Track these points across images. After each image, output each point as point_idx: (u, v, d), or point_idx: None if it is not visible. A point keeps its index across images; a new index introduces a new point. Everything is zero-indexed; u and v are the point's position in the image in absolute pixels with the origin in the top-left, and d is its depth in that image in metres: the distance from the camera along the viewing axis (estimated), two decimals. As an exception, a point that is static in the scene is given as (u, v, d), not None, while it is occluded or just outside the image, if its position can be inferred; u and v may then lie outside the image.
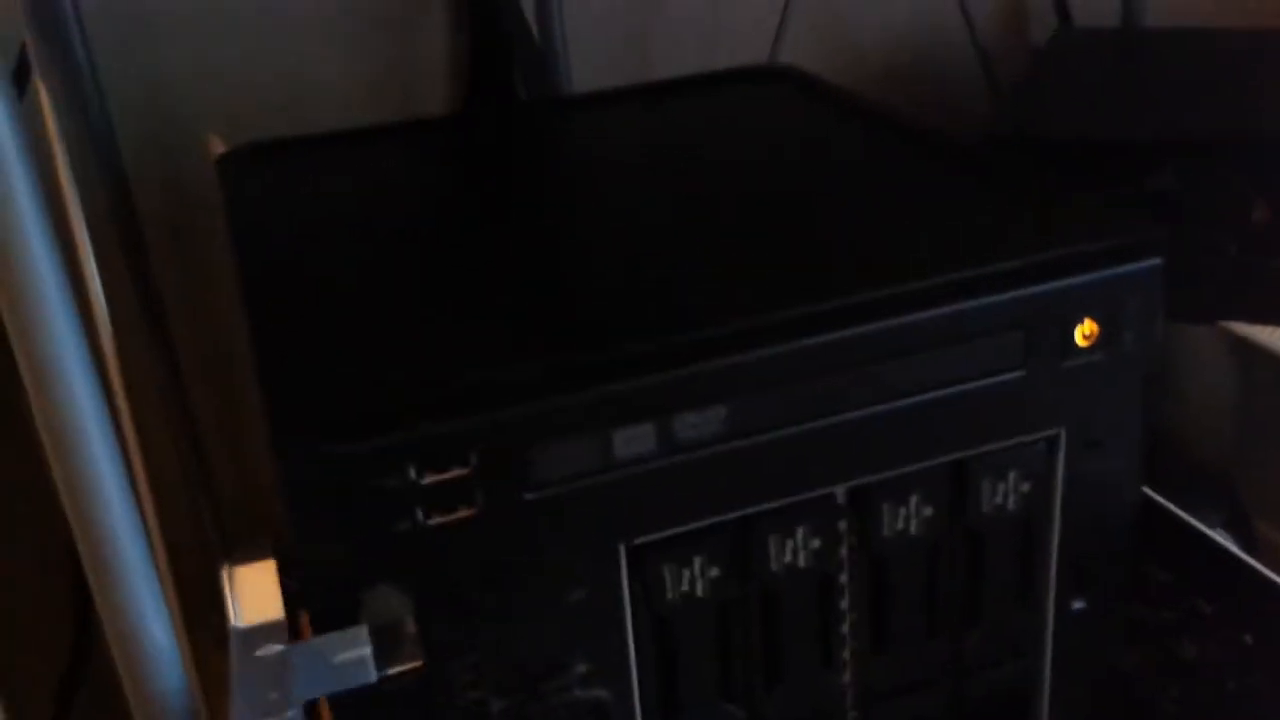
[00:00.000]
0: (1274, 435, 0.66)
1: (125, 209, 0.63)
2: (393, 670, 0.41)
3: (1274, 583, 0.48)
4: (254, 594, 0.39)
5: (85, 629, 0.51)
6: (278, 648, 0.37)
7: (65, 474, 0.33)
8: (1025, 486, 0.46)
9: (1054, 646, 0.49)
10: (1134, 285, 0.43)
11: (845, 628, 0.46)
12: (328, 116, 0.67)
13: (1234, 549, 0.50)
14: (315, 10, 0.78)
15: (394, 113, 0.81)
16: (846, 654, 0.47)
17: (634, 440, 0.40)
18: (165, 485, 0.50)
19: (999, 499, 0.46)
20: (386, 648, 0.41)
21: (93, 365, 0.32)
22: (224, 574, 0.38)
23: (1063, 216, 0.48)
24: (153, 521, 0.44)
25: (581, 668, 0.43)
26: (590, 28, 0.82)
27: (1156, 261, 0.43)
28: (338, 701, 0.41)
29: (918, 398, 0.43)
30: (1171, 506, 0.52)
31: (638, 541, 0.42)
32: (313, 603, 0.39)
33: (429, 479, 0.38)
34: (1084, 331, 0.43)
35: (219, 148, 0.60)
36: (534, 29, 0.79)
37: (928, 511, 0.45)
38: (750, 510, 0.43)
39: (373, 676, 0.40)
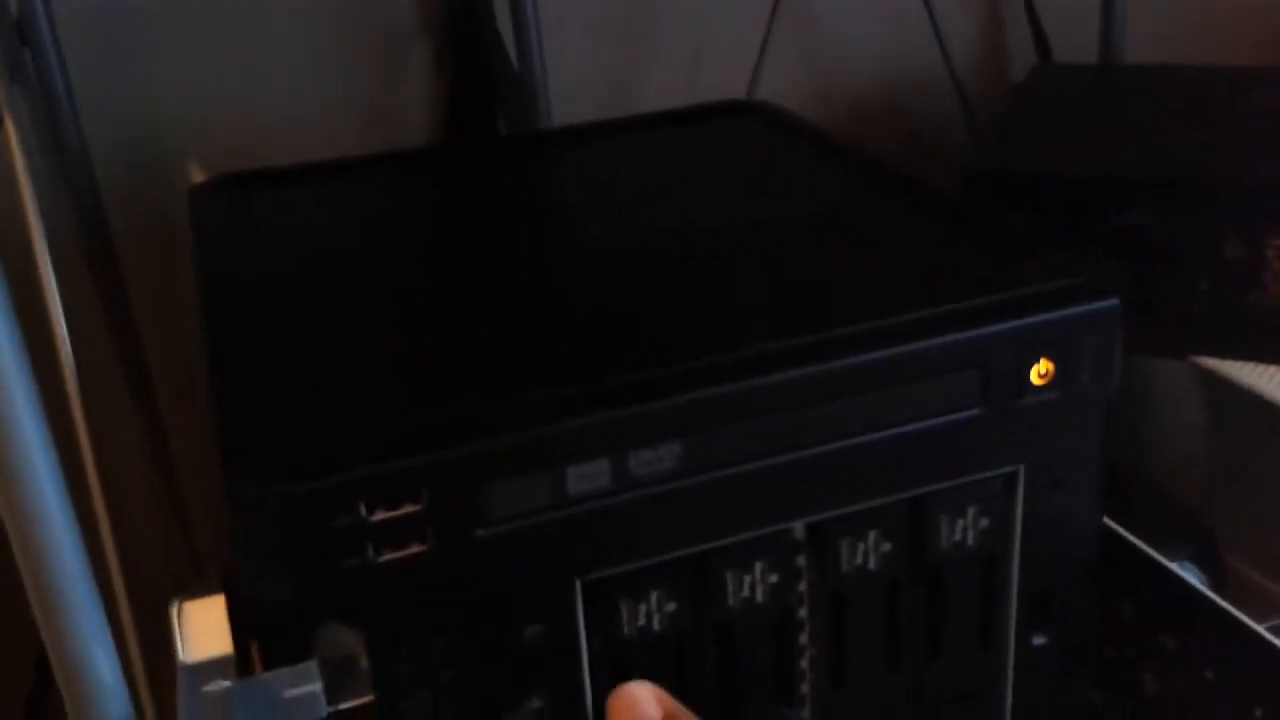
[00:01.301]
0: (1244, 470, 0.66)
1: (98, 230, 0.63)
2: (344, 705, 0.41)
3: (1236, 619, 0.48)
4: (203, 629, 0.39)
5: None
6: (225, 684, 0.37)
7: (7, 502, 0.34)
8: (984, 523, 0.46)
9: (1015, 682, 0.49)
10: (1090, 325, 0.43)
11: (804, 663, 0.46)
12: (311, 148, 0.68)
13: (1197, 584, 0.50)
14: (300, 43, 0.79)
15: (378, 144, 0.82)
16: (805, 689, 0.46)
17: (588, 477, 0.40)
18: (138, 511, 0.50)
19: (958, 535, 0.46)
20: (337, 683, 0.41)
21: (34, 392, 0.32)
22: (173, 609, 0.38)
23: (1021, 256, 0.48)
24: (110, 551, 0.44)
25: (536, 703, 0.43)
26: (571, 60, 0.83)
27: (1114, 301, 0.43)
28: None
29: (875, 435, 0.43)
30: (1135, 541, 0.52)
31: (593, 577, 0.42)
32: (262, 639, 0.39)
33: (379, 516, 0.38)
34: (1040, 370, 0.43)
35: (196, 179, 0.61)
36: (514, 62, 0.79)
37: (886, 547, 0.45)
38: (707, 546, 0.43)
39: (323, 712, 0.39)
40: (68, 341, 0.51)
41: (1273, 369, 0.64)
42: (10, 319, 0.35)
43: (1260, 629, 0.48)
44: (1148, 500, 0.66)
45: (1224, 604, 0.49)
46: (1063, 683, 0.51)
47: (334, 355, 0.44)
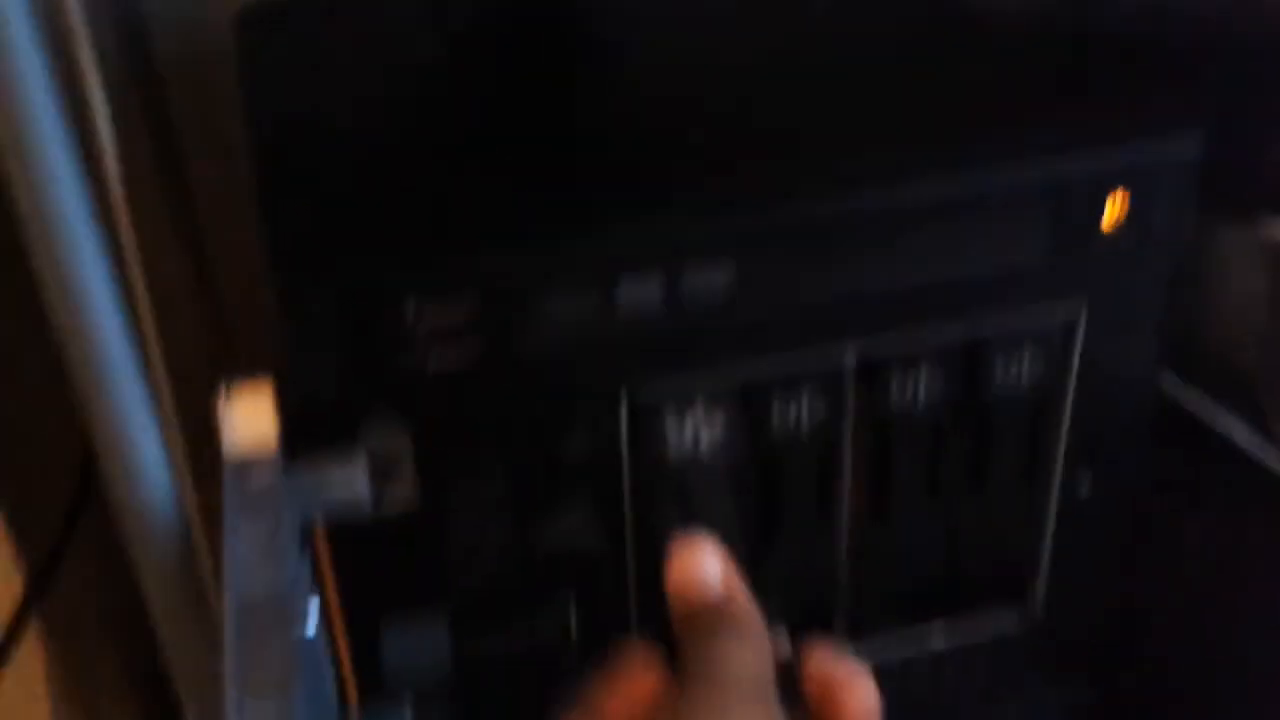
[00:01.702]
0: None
1: (141, 49, 0.62)
2: (388, 509, 0.41)
3: (1285, 480, 0.47)
4: (251, 419, 0.39)
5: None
6: (271, 478, 0.37)
7: (46, 269, 0.33)
8: (1040, 366, 0.45)
9: (1056, 528, 0.49)
10: (1170, 163, 0.41)
11: (845, 497, 0.46)
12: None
13: (1247, 447, 0.49)
14: None
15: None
16: (844, 522, 0.46)
17: (639, 290, 0.39)
18: (173, 306, 0.50)
19: (1012, 377, 0.45)
20: (384, 486, 0.41)
21: (82, 165, 0.32)
22: (221, 394, 0.38)
23: (1103, 89, 0.46)
24: (151, 332, 0.44)
25: (576, 520, 0.43)
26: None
27: (1195, 140, 0.41)
28: (334, 536, 0.41)
29: (938, 268, 0.41)
30: (1189, 403, 0.51)
31: (640, 395, 0.41)
32: (309, 437, 0.39)
33: (429, 318, 0.38)
34: (1114, 208, 0.42)
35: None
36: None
37: (938, 384, 0.44)
38: (757, 370, 0.42)
39: (368, 511, 0.40)
40: (114, 153, 0.50)
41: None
42: (57, 118, 0.34)
43: (1309, 490, 0.47)
44: (1201, 366, 0.65)
45: (1274, 465, 0.48)
46: (1103, 534, 0.51)
47: (387, 170, 0.43)
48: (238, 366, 0.38)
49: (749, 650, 0.32)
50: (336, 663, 0.43)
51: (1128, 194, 0.41)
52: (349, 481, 0.39)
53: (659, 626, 0.45)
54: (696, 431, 0.42)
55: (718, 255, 0.39)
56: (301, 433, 0.40)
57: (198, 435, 0.46)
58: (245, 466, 0.38)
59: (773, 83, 0.48)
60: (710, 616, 0.33)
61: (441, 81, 0.50)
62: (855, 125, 0.44)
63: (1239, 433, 0.52)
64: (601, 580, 0.45)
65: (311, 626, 0.39)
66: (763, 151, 0.42)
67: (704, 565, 0.35)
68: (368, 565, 0.42)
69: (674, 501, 0.44)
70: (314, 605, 0.40)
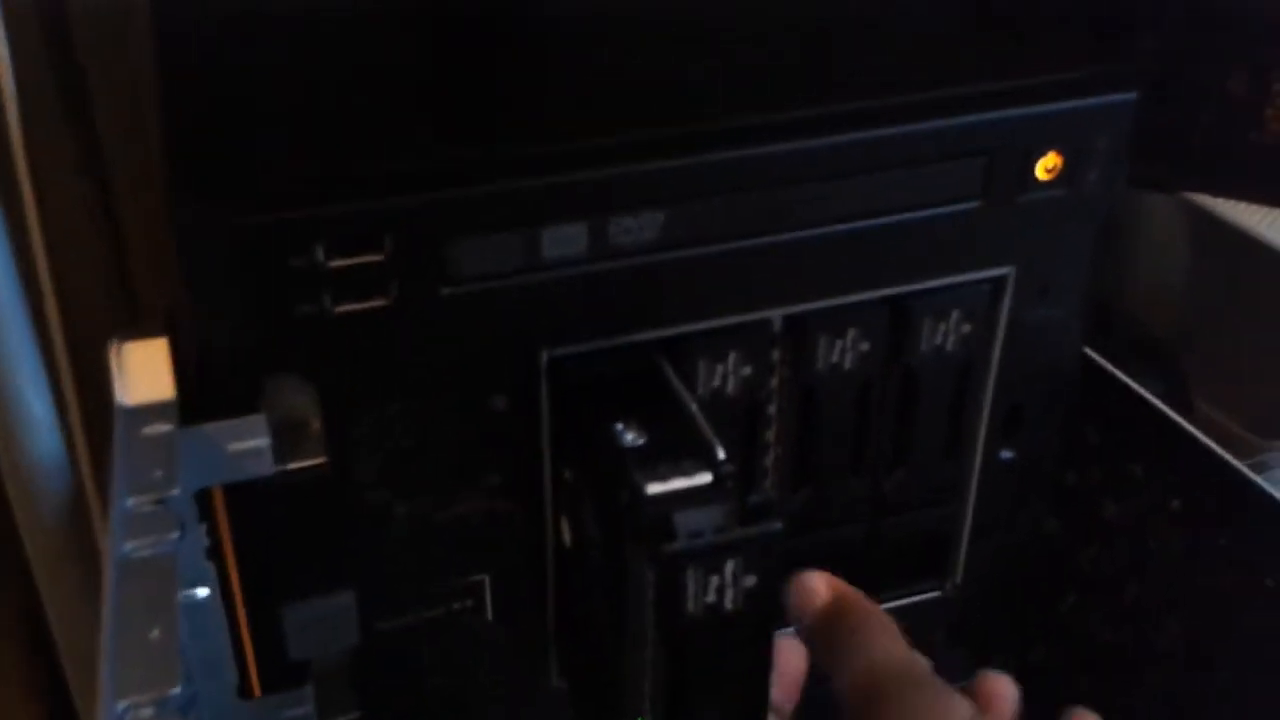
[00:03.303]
0: (1223, 312, 0.65)
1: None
2: (292, 465, 0.39)
3: (1209, 449, 0.47)
4: (144, 372, 0.36)
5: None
6: (166, 427, 0.35)
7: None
8: (966, 328, 0.44)
9: (977, 494, 0.48)
10: (1105, 119, 0.41)
11: (768, 460, 0.45)
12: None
13: (1172, 414, 0.49)
14: None
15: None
16: (767, 485, 0.45)
17: (564, 240, 0.38)
18: (74, 256, 0.47)
19: (938, 339, 0.44)
20: (287, 441, 0.39)
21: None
22: (111, 350, 0.36)
23: (1040, 45, 0.45)
24: (46, 287, 0.41)
25: (494, 479, 0.41)
26: None
27: (1131, 96, 0.41)
28: (232, 495, 0.39)
29: (868, 221, 0.40)
30: (1111, 367, 0.51)
31: (560, 352, 0.40)
32: (207, 388, 0.37)
33: (339, 262, 0.36)
34: (1046, 164, 0.41)
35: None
36: None
37: (864, 346, 0.43)
38: (681, 330, 0.41)
39: (270, 469, 0.38)
40: (12, 93, 0.46)
41: (1265, 210, 0.63)
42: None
43: (1231, 458, 0.47)
44: (1121, 333, 0.65)
45: (1200, 434, 0.48)
46: (1023, 500, 0.51)
47: (298, 93, 0.40)
48: (140, 327, 0.35)
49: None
50: (237, 638, 0.41)
51: (1060, 152, 0.41)
52: (250, 434, 0.37)
53: (573, 598, 0.44)
54: (619, 388, 0.41)
55: (645, 205, 0.38)
56: (201, 390, 0.37)
57: (96, 400, 0.44)
58: (137, 414, 0.36)
59: (702, 31, 0.47)
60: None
61: (363, 10, 0.48)
62: (789, 72, 0.43)
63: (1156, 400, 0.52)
64: (517, 546, 0.43)
65: (204, 590, 0.36)
66: (692, 101, 0.41)
67: (813, 595, 0.38)
68: (269, 533, 0.40)
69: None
70: (210, 572, 0.38)
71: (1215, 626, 0.47)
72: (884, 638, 0.36)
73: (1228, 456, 0.47)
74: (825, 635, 0.37)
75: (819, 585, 0.38)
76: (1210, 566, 0.47)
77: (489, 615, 0.44)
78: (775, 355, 0.43)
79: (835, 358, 0.43)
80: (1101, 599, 0.51)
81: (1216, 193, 0.64)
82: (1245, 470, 0.46)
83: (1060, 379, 0.48)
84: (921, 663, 0.35)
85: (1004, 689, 0.37)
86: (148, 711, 0.28)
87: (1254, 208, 0.64)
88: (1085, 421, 0.51)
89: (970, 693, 0.36)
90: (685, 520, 0.35)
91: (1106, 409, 0.50)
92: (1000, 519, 0.50)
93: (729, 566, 0.35)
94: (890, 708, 0.33)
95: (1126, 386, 0.51)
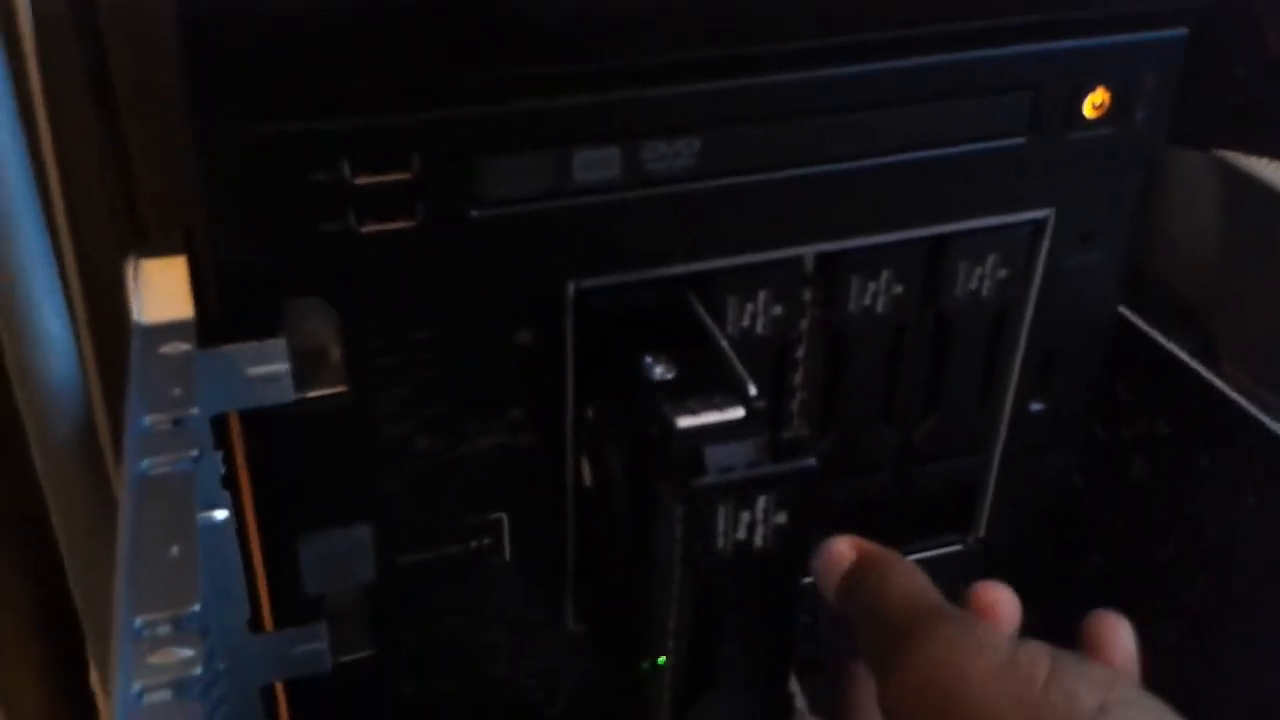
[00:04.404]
0: (1256, 273, 0.63)
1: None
2: (312, 393, 0.38)
3: (1241, 406, 0.46)
4: (162, 290, 0.35)
5: None
6: (185, 346, 0.34)
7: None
8: (1003, 272, 0.43)
9: (1005, 446, 0.47)
10: (1155, 55, 0.40)
11: (794, 405, 0.44)
12: None
13: (1205, 372, 0.48)
14: None
15: None
16: (794, 430, 0.44)
17: (597, 164, 0.36)
18: (80, 173, 0.45)
19: (974, 284, 0.43)
20: (308, 367, 0.38)
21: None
22: (128, 267, 0.35)
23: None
24: (59, 204, 0.40)
25: (516, 412, 0.40)
26: None
27: (1182, 32, 0.39)
28: (249, 422, 0.38)
29: (907, 155, 0.39)
30: (1144, 324, 0.50)
31: (587, 283, 0.39)
32: (227, 309, 0.36)
33: (365, 179, 0.34)
34: (1094, 101, 0.40)
35: None
36: None
37: (898, 289, 0.42)
38: (712, 265, 0.40)
39: (289, 396, 0.36)
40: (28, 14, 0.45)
41: (1300, 170, 0.61)
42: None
43: (1261, 415, 0.46)
44: (1151, 292, 0.64)
45: (1231, 392, 0.47)
46: (1051, 453, 0.50)
47: (326, 10, 0.39)
48: (151, 246, 0.34)
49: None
50: (250, 571, 0.40)
51: (1109, 88, 0.40)
52: (271, 358, 0.36)
53: (593, 540, 0.43)
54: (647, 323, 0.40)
55: (681, 130, 0.37)
56: (220, 311, 0.36)
57: (107, 320, 0.43)
58: (155, 332, 0.35)
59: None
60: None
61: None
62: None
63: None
64: (538, 485, 0.42)
65: (222, 513, 0.35)
66: (733, 23, 0.39)
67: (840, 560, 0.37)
68: (286, 462, 0.39)
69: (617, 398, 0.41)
70: (225, 498, 0.37)
71: (1244, 585, 0.47)
72: (912, 580, 0.35)
73: (1263, 416, 0.46)
74: (854, 590, 0.36)
75: (845, 549, 0.37)
76: (1239, 525, 0.46)
77: (507, 554, 0.43)
78: (806, 296, 0.42)
79: (868, 300, 0.42)
80: (1128, 556, 0.51)
81: (1251, 150, 0.63)
82: (1276, 429, 0.45)
83: (1096, 329, 0.47)
84: (949, 603, 0.35)
85: (1001, 595, 0.36)
86: (165, 629, 0.27)
87: (1290, 168, 0.62)
88: (1116, 378, 0.50)
89: (966, 604, 0.36)
90: (716, 454, 0.34)
91: (1138, 366, 0.49)
92: (1027, 472, 0.49)
93: (760, 502, 0.34)
94: (925, 644, 0.32)
95: (1158, 344, 0.50)
